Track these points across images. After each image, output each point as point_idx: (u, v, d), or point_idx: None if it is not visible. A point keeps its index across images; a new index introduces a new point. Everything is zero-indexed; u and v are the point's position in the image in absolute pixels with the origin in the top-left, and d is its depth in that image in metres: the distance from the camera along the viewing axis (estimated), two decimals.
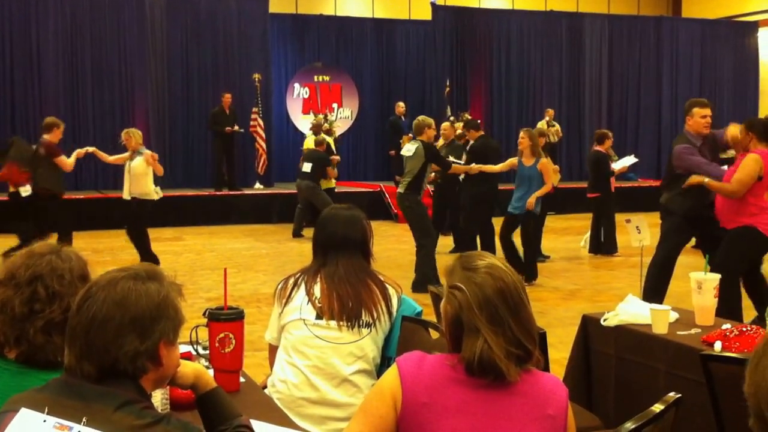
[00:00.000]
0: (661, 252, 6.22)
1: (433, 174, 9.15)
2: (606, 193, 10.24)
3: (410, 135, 10.88)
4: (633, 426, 2.04)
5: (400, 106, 15.79)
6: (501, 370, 1.82)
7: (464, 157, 9.54)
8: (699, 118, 5.97)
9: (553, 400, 1.86)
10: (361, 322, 2.84)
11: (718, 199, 5.66)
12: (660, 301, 5.71)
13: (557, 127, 15.79)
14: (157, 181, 8.85)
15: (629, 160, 10.77)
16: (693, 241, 6.64)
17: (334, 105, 17.67)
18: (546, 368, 2.55)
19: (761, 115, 18.64)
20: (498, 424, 1.83)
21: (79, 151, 8.95)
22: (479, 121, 10.86)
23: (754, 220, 5.44)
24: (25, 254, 2.02)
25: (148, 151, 8.71)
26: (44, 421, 1.50)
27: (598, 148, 10.34)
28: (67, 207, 9.15)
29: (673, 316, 3.57)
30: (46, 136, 8.75)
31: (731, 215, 5.54)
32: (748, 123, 5.62)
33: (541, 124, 14.57)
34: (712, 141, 6.06)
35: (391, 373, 1.90)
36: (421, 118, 8.40)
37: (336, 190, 12.85)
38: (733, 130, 5.87)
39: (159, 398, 2.25)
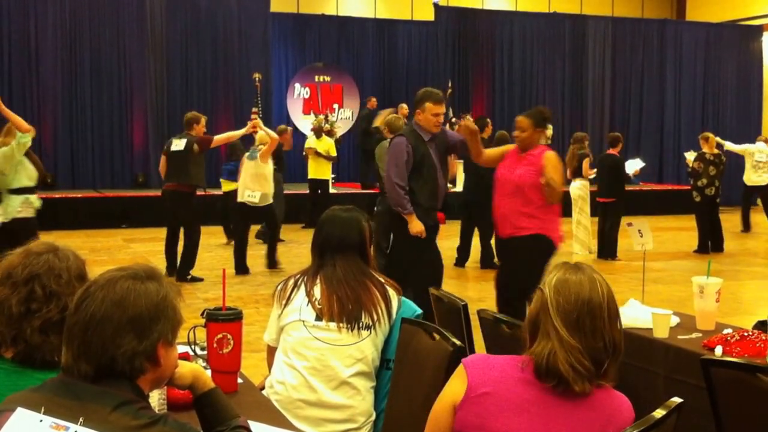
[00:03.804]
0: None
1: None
2: (621, 197, 9.98)
3: None
4: None
5: (404, 108, 15.75)
6: (565, 378, 1.82)
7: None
8: (431, 115, 5.35)
9: (617, 421, 1.86)
10: (360, 324, 2.83)
11: None
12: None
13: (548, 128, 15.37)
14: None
15: (638, 163, 10.65)
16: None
17: (335, 105, 17.65)
18: None
19: (765, 119, 18.68)
20: (554, 429, 1.83)
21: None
22: (488, 120, 10.76)
23: None
24: (23, 253, 2.01)
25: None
26: (41, 420, 1.49)
27: (611, 151, 10.14)
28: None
29: (674, 320, 3.56)
30: (192, 133, 8.56)
31: None
32: None
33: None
34: (443, 139, 5.58)
35: (456, 376, 1.94)
36: (393, 117, 8.35)
37: (334, 192, 12.74)
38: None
39: (156, 398, 2.24)
